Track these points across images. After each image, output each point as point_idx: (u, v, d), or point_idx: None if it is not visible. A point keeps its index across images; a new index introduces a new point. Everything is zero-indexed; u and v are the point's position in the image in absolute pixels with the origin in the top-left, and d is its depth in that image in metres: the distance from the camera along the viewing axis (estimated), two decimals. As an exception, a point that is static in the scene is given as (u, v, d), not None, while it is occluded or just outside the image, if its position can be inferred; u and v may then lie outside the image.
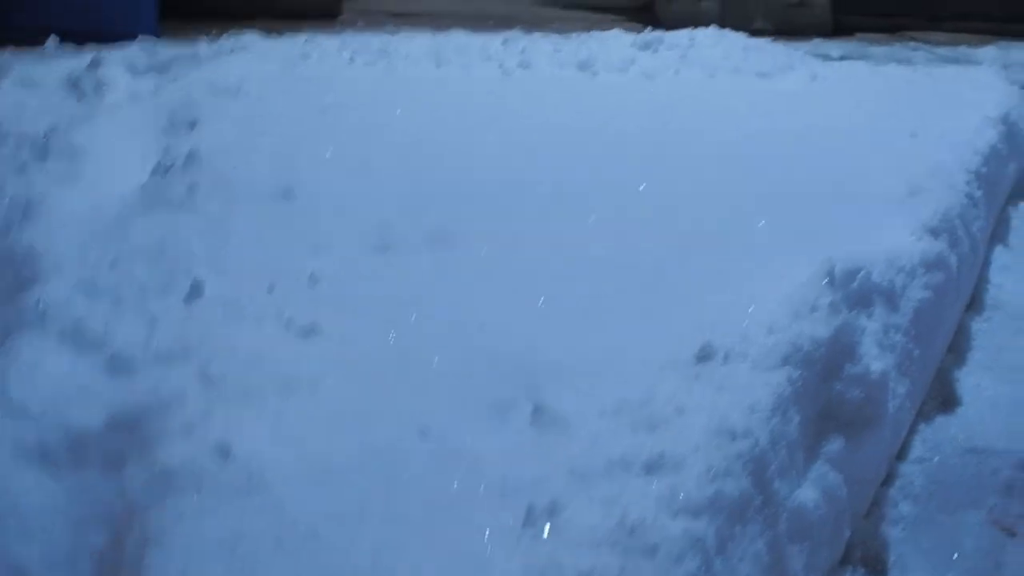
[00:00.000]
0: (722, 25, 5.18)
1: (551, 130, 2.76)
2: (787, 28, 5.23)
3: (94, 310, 1.68)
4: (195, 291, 1.76)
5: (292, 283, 1.84)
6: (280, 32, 4.71)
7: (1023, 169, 3.31)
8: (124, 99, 3.28)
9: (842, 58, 4.89)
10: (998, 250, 2.77)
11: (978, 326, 2.37)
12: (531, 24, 5.11)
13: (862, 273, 1.87)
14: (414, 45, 3.83)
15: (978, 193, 2.63)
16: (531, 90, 3.29)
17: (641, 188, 2.31)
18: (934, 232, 2.24)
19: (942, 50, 5.10)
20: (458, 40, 3.97)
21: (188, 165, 2.38)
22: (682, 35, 3.99)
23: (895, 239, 2.12)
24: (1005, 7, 5.51)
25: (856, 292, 1.85)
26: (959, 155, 2.75)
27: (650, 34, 4.04)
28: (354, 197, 2.28)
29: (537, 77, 3.46)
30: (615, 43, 3.91)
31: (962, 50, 5.09)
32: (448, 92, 3.20)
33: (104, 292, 1.74)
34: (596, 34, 4.18)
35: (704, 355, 1.60)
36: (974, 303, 2.46)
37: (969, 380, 2.11)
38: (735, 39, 4.01)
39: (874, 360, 1.73)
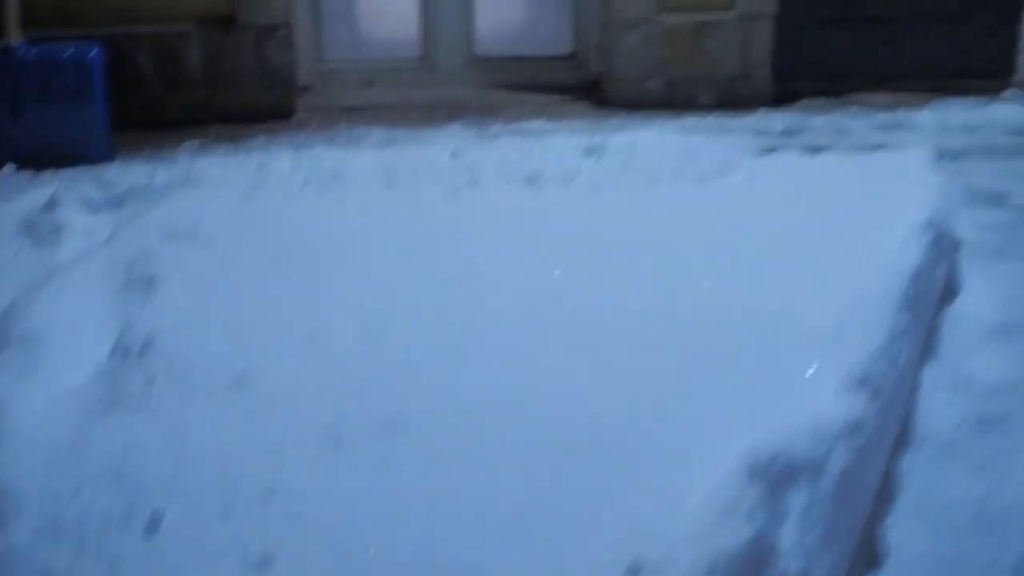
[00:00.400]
0: (667, 103, 5.36)
1: (493, 276, 2.87)
2: (731, 101, 5.36)
3: (58, 556, 1.77)
4: (154, 523, 1.85)
5: (248, 501, 1.94)
6: (235, 139, 4.82)
7: (952, 268, 3.43)
8: (81, 248, 3.38)
9: (785, 131, 5.03)
10: (927, 368, 2.90)
11: (907, 463, 2.49)
12: (482, 112, 5.23)
13: (783, 458, 1.99)
14: (365, 164, 3.93)
15: (905, 320, 2.75)
16: (478, 216, 3.39)
17: (572, 357, 2.42)
18: (861, 382, 2.35)
19: (882, 116, 5.24)
20: (408, 156, 4.07)
21: (145, 352, 2.48)
22: (625, 139, 4.11)
23: (819, 400, 2.23)
24: (940, 66, 5.68)
25: (778, 476, 1.97)
26: (886, 278, 2.87)
27: (595, 137, 4.16)
28: (307, 378, 2.39)
29: (484, 199, 3.57)
30: (561, 149, 4.02)
31: (900, 115, 5.23)
32: (398, 227, 3.29)
33: (67, 532, 1.83)
34: (545, 139, 4.30)
35: (633, 571, 1.72)
36: (903, 435, 2.58)
37: (895, 532, 2.23)
38: (675, 141, 4.13)
39: (794, 555, 1.84)
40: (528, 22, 5.73)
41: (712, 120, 5.08)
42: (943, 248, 3.38)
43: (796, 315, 2.63)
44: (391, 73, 5.57)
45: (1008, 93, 5.67)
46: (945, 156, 4.59)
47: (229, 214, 3.46)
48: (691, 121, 5.05)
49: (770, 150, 4.49)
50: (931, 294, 3.13)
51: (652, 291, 2.75)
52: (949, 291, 3.35)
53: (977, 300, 3.34)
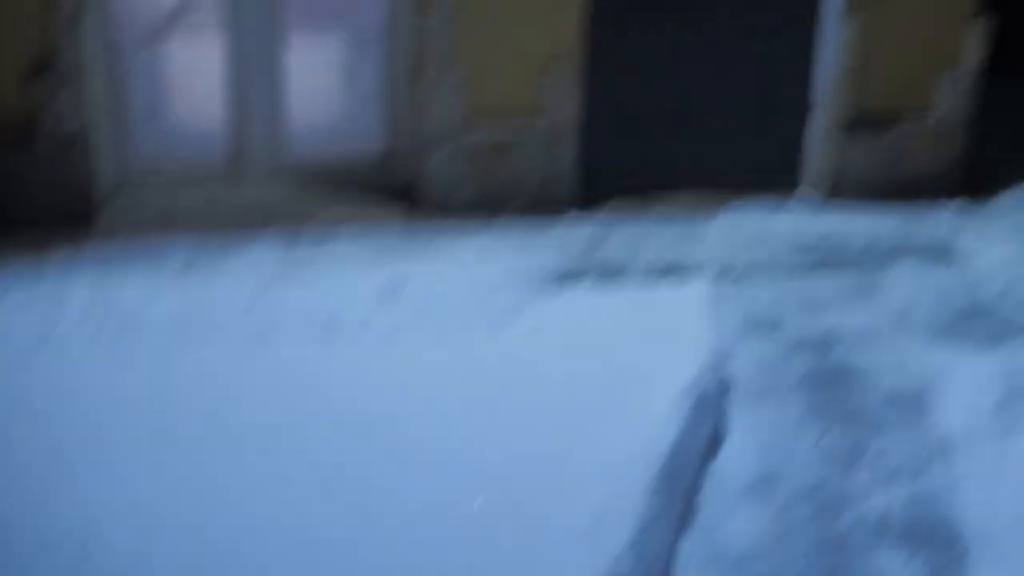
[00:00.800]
0: (477, 210, 5.52)
1: (273, 474, 2.95)
2: (539, 207, 5.57)
3: None
4: None
5: None
6: (37, 249, 4.72)
7: (719, 417, 3.68)
8: None
9: (587, 244, 5.25)
10: (685, 541, 3.10)
11: (654, 653, 2.68)
12: (293, 220, 5.28)
13: None
14: (159, 306, 3.94)
15: (662, 501, 2.96)
16: (268, 386, 3.45)
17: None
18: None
19: (678, 226, 5.53)
20: (207, 290, 4.10)
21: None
22: (424, 277, 4.24)
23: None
24: (735, 170, 6.03)
25: None
26: (646, 457, 3.08)
27: (397, 273, 4.28)
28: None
29: (276, 359, 3.63)
30: (362, 289, 4.12)
31: (694, 226, 5.55)
32: (186, 400, 3.32)
33: None
34: (346, 268, 4.37)
35: None
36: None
37: None
38: (476, 279, 4.28)
39: None
40: (342, 124, 5.80)
41: (518, 233, 5.25)
42: (709, 403, 3.63)
43: (553, 510, 2.80)
44: (200, 177, 5.55)
45: (797, 196, 6.08)
46: (729, 275, 4.91)
47: (8, 385, 3.40)
48: (498, 234, 5.22)
49: (568, 274, 4.70)
50: (692, 459, 3.35)
51: (416, 486, 2.87)
52: (714, 443, 3.59)
53: (739, 452, 3.59)
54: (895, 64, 6.09)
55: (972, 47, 6.25)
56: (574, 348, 3.75)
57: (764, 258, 5.23)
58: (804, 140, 6.16)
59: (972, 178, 6.39)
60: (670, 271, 4.84)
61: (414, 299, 4.05)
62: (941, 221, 5.87)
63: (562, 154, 5.64)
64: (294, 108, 5.63)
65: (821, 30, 6.09)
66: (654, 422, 3.26)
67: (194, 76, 5.61)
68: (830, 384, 4.10)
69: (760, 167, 6.12)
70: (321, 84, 5.73)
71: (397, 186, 5.67)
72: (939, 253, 5.43)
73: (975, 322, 4.69)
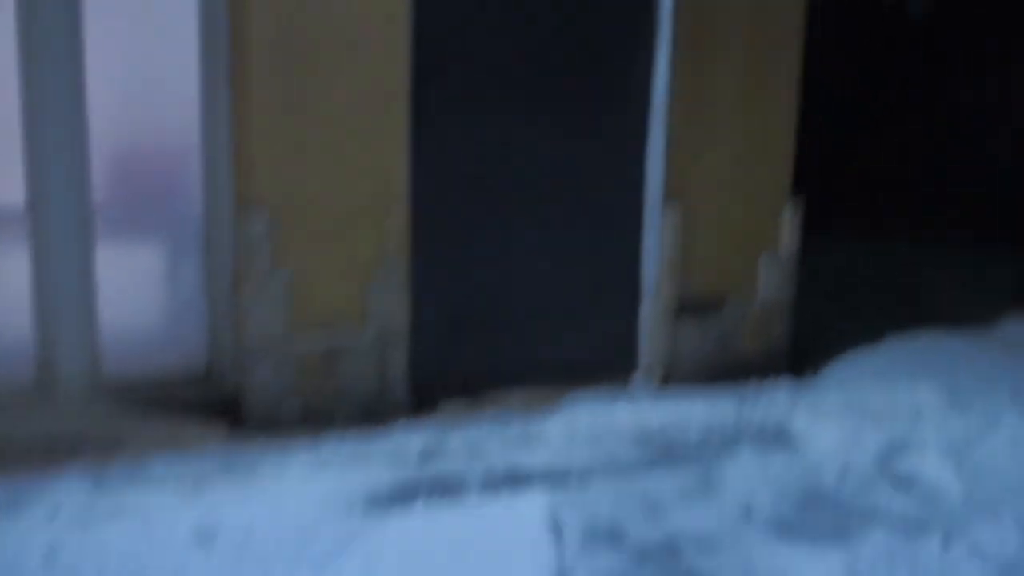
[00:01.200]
0: (305, 422, 5.29)
1: None
2: (370, 416, 5.38)
3: None
4: None
5: None
6: None
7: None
8: None
9: (421, 455, 5.06)
10: None
11: None
12: (106, 447, 4.92)
13: None
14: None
15: None
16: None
17: None
18: None
19: (515, 427, 5.41)
20: (1, 545, 3.70)
21: None
22: (243, 513, 3.95)
23: None
24: (570, 361, 6.02)
25: None
26: None
27: (214, 510, 3.97)
28: None
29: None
30: (174, 533, 3.79)
31: (533, 424, 5.44)
32: None
33: None
34: (156, 517, 4.02)
35: None
36: None
37: None
38: (301, 509, 4.02)
39: None
40: (160, 337, 5.53)
41: (348, 449, 5.02)
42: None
43: None
44: (4, 400, 5.15)
45: (632, 385, 6.09)
46: (567, 481, 4.78)
47: None
48: (326, 451, 4.98)
49: (401, 492, 4.48)
50: None
51: None
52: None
53: None
54: (716, 249, 6.28)
55: (787, 229, 6.52)
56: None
57: (602, 457, 5.13)
58: (636, 328, 6.22)
59: (798, 356, 6.57)
60: (507, 480, 4.67)
61: (232, 540, 3.75)
62: (774, 403, 5.95)
63: (391, 360, 5.51)
64: (107, 322, 5.34)
65: (644, 219, 6.24)
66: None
67: (-4, 293, 5.28)
68: (677, 598, 3.96)
69: (593, 358, 6.13)
70: (137, 295, 5.48)
71: (219, 401, 5.39)
72: (775, 437, 5.46)
73: (815, 512, 4.67)
